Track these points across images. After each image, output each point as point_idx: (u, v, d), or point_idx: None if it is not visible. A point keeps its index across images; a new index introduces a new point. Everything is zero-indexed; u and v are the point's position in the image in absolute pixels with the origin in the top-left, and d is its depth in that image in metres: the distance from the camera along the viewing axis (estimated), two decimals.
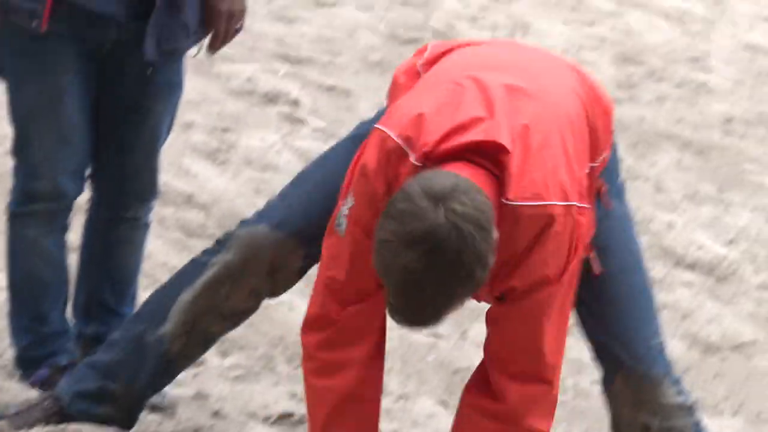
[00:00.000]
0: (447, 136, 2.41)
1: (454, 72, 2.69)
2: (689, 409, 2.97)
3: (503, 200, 2.37)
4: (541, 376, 2.62)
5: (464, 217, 2.20)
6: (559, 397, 3.98)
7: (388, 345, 4.14)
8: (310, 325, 2.70)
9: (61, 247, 3.39)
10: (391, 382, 4.15)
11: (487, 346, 2.69)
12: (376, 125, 2.59)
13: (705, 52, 9.29)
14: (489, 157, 2.41)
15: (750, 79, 9.47)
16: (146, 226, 3.54)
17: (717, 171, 7.24)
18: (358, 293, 2.65)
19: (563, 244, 2.50)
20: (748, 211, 6.43)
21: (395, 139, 2.44)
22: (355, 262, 2.60)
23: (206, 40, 3.32)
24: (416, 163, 2.39)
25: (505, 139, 2.40)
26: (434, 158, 2.40)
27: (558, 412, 4.04)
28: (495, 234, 2.27)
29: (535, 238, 2.46)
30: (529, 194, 2.40)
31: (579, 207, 2.49)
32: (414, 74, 2.77)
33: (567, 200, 2.47)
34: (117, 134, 3.34)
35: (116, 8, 3.09)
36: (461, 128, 2.42)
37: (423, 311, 2.34)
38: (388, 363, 3.96)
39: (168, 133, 3.50)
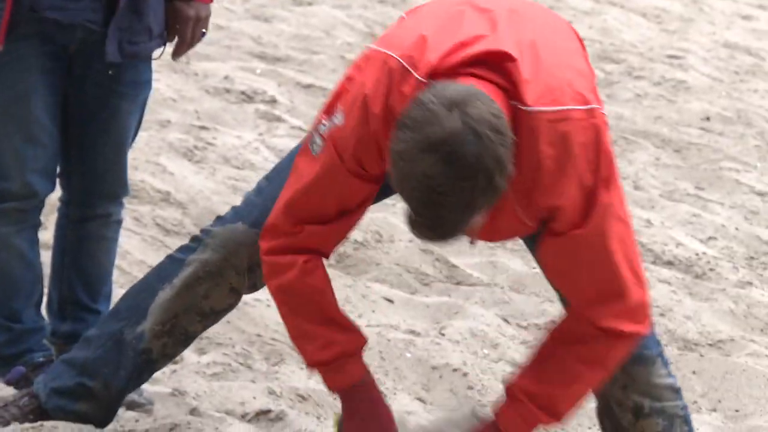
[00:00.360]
0: (451, 51, 2.40)
1: (449, 3, 2.70)
2: (678, 391, 2.98)
3: (520, 107, 2.36)
4: (628, 295, 2.57)
5: (480, 121, 2.19)
6: None
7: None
8: (265, 233, 2.73)
9: (33, 244, 3.41)
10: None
11: (562, 288, 2.72)
12: (372, 48, 2.59)
13: (683, 50, 9.35)
14: (496, 68, 2.40)
15: (728, 77, 9.52)
16: (118, 223, 3.53)
17: (695, 169, 7.31)
18: (318, 216, 2.66)
19: (592, 150, 2.47)
20: (726, 209, 6.48)
21: (397, 58, 2.43)
22: (321, 184, 2.61)
23: (171, 44, 3.35)
24: (421, 79, 2.37)
25: (511, 48, 2.40)
26: (439, 74, 2.38)
27: None
28: (511, 138, 2.26)
29: (560, 149, 2.43)
30: (547, 99, 2.40)
31: (599, 110, 2.48)
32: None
33: (587, 104, 2.46)
34: (85, 133, 3.35)
35: (92, 15, 3.13)
36: (465, 44, 2.42)
37: (444, 220, 2.31)
38: (366, 360, 4.02)
39: (137, 131, 3.52)
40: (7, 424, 2.98)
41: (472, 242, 2.59)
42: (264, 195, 2.93)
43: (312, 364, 2.77)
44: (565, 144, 2.39)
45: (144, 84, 3.38)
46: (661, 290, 5.03)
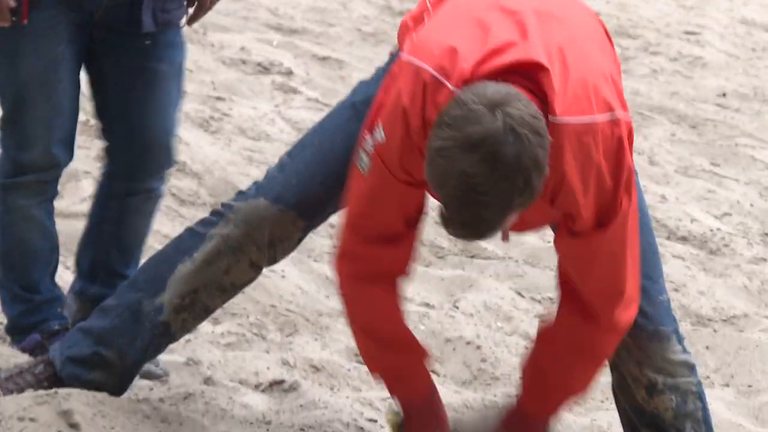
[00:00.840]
0: (483, 60, 2.40)
1: (474, 6, 2.68)
2: (692, 368, 2.98)
3: (549, 117, 2.37)
4: (625, 288, 2.68)
5: (521, 121, 2.21)
6: None
7: None
8: (340, 258, 2.75)
9: (51, 215, 3.41)
10: None
11: (571, 273, 2.73)
12: (404, 58, 2.56)
13: (700, 26, 9.30)
14: (527, 77, 2.41)
15: (745, 53, 9.49)
16: (159, 197, 3.57)
17: (710, 145, 7.28)
18: (382, 233, 2.68)
19: (613, 160, 2.51)
20: (741, 185, 6.48)
21: (429, 70, 2.43)
22: (377, 197, 2.63)
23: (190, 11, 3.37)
24: (455, 90, 2.37)
25: (542, 58, 2.41)
26: (473, 76, 2.40)
27: None
28: (549, 140, 2.28)
29: (584, 161, 2.48)
30: (574, 110, 2.41)
31: (625, 120, 2.50)
32: (423, 19, 2.77)
33: (612, 112, 2.48)
34: (129, 104, 3.36)
35: (106, 27, 3.22)
36: (496, 52, 2.42)
37: (480, 220, 2.33)
38: None
39: (179, 97, 3.53)
40: (21, 390, 2.97)
41: (504, 238, 2.60)
42: (286, 171, 2.96)
43: (379, 371, 2.88)
44: (588, 155, 2.44)
45: (179, 45, 3.39)
46: (675, 266, 5.03)
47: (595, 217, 2.52)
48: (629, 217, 2.58)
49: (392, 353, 2.86)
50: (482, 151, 2.19)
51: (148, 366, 3.26)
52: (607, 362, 2.89)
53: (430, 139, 2.29)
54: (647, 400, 2.95)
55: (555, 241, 2.71)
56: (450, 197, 2.27)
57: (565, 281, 2.75)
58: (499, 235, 2.60)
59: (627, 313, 2.69)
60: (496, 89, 2.27)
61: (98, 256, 3.49)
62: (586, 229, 2.54)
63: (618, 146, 2.45)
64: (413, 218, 2.68)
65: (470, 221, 2.30)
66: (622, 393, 3.00)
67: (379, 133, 2.52)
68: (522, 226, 2.62)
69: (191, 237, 3.09)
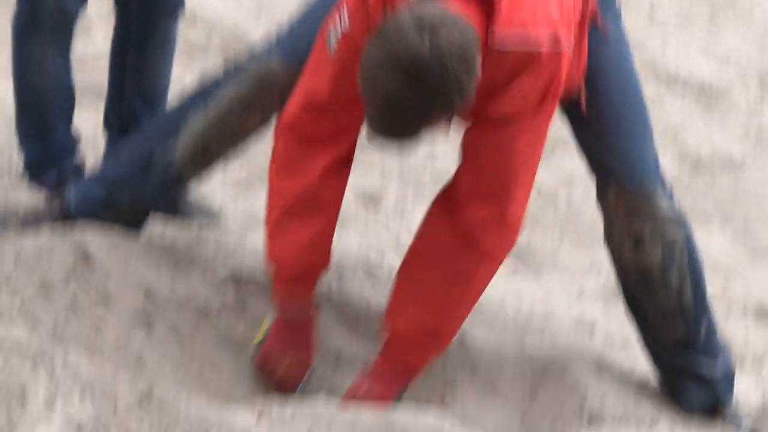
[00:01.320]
0: None
1: None
2: (680, 222, 2.97)
3: (490, 33, 2.40)
4: (503, 204, 2.66)
5: (449, 50, 2.23)
6: (551, 210, 4.25)
7: (386, 165, 4.35)
8: (283, 125, 2.76)
9: (66, 64, 3.42)
10: (390, 190, 4.29)
11: (459, 169, 2.72)
12: None
13: None
14: None
15: None
16: (174, 41, 3.58)
17: None
18: (334, 110, 2.70)
19: (541, 85, 2.53)
20: (740, 34, 6.44)
21: None
22: (338, 81, 2.63)
23: None
24: None
25: None
26: None
27: (550, 221, 4.25)
28: (478, 67, 2.29)
29: (515, 72, 2.48)
30: (518, 31, 2.42)
31: (565, 53, 2.50)
32: None
33: (556, 40, 2.47)
34: None
35: None
36: None
37: (399, 127, 2.37)
38: (387, 178, 4.25)
39: None
40: (37, 225, 3.06)
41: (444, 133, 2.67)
42: (295, 34, 2.97)
43: (273, 258, 2.84)
44: (521, 70, 2.46)
45: None
46: (674, 112, 5.06)
47: (508, 118, 2.56)
48: (538, 133, 2.63)
49: (300, 238, 2.83)
50: (406, 73, 2.24)
51: (184, 204, 3.38)
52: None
53: (363, 50, 2.35)
54: (633, 253, 2.97)
55: (465, 133, 2.70)
56: (372, 107, 2.34)
57: (447, 198, 2.75)
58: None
59: (505, 239, 2.71)
60: (432, 12, 2.30)
61: (124, 109, 3.54)
62: (496, 125, 2.60)
63: (550, 79, 2.49)
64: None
65: (389, 128, 2.36)
66: (610, 246, 3.00)
67: (346, 21, 2.58)
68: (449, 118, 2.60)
69: (202, 93, 3.11)
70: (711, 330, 3.08)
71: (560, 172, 4.47)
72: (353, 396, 2.78)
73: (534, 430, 2.95)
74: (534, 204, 4.51)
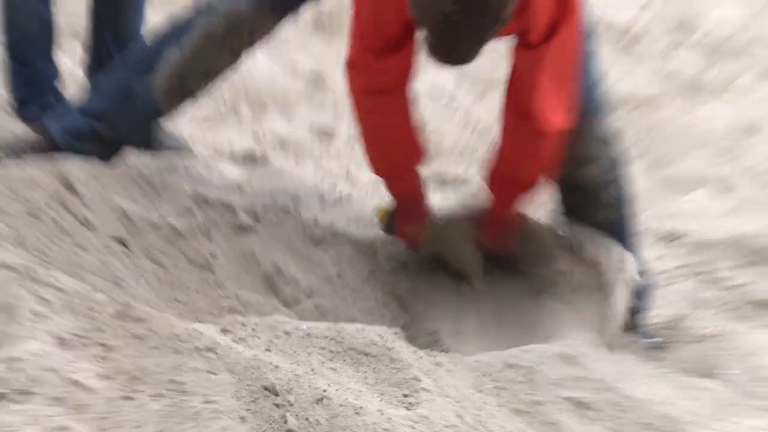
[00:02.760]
0: None
1: None
2: (618, 142, 3.13)
3: None
4: (563, 95, 2.83)
5: None
6: (486, 144, 4.02)
7: (339, 104, 4.29)
8: (352, 67, 2.85)
9: (48, 6, 3.42)
10: (342, 127, 4.22)
11: (518, 84, 2.86)
12: None
13: None
14: None
15: None
16: None
17: None
18: (386, 40, 2.77)
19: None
20: None
21: None
22: (378, 13, 2.72)
23: None
24: None
25: None
26: None
27: (484, 153, 3.93)
28: None
29: None
30: None
31: None
32: None
33: None
34: None
35: None
36: None
37: (458, 50, 2.47)
38: (339, 117, 4.23)
39: None
40: (23, 154, 3.08)
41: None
42: None
43: (381, 171, 3.02)
44: None
45: None
46: (599, 53, 5.14)
47: (545, 31, 2.64)
48: (570, 40, 2.72)
49: (395, 156, 3.01)
50: None
51: (159, 135, 3.40)
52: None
53: None
54: (577, 172, 3.05)
55: (512, 54, 2.81)
56: (431, 30, 2.39)
57: (511, 97, 2.88)
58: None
59: (565, 118, 2.82)
60: None
61: (102, 52, 3.54)
62: (538, 40, 2.68)
63: None
64: (411, 23, 2.70)
65: (450, 51, 2.44)
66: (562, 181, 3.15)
67: None
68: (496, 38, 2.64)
69: (174, 29, 3.13)
70: (637, 247, 3.22)
71: (493, 110, 4.49)
72: (493, 231, 3.13)
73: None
74: (470, 138, 4.58)
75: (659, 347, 3.21)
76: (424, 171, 3.36)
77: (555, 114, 2.85)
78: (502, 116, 2.97)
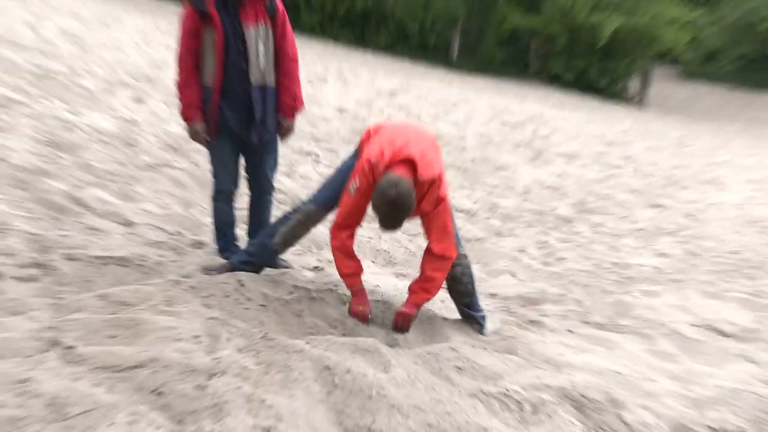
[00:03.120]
0: (393, 155, 3.49)
1: (389, 133, 3.71)
2: (467, 258, 4.06)
3: (417, 176, 3.42)
4: (447, 238, 3.70)
5: (405, 191, 3.31)
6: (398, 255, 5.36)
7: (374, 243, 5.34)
8: (337, 226, 3.71)
9: (233, 211, 4.37)
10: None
11: (426, 235, 3.69)
12: (365, 154, 3.55)
13: None
14: (409, 162, 3.48)
15: None
16: (272, 202, 4.49)
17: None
18: (352, 223, 3.69)
19: (441, 188, 3.54)
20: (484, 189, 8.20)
21: (374, 160, 3.50)
22: (356, 209, 3.63)
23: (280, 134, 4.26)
24: (382, 168, 3.46)
25: (415, 155, 3.45)
26: (389, 165, 3.45)
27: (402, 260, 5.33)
28: (414, 198, 3.32)
29: (429, 188, 3.51)
30: (426, 173, 3.48)
31: (439, 174, 3.53)
32: (368, 137, 3.81)
33: (441, 172, 3.52)
34: (253, 164, 4.34)
35: (243, 129, 4.13)
36: (398, 152, 3.51)
37: (393, 225, 3.40)
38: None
39: (276, 162, 4.40)
40: (220, 273, 4.06)
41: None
42: (321, 193, 3.95)
43: (344, 275, 3.82)
44: (431, 189, 3.56)
45: (273, 142, 4.27)
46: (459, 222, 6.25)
47: (432, 208, 3.61)
48: (444, 208, 3.65)
49: (349, 265, 3.85)
50: (390, 203, 3.33)
51: (279, 263, 4.35)
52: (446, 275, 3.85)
53: (373, 194, 3.38)
54: (452, 272, 3.99)
55: (421, 221, 3.72)
56: (379, 215, 3.39)
57: (427, 246, 3.75)
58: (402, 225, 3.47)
59: (450, 249, 3.75)
60: (394, 177, 3.36)
61: (252, 228, 4.50)
62: (429, 211, 3.62)
63: (439, 184, 3.58)
64: (365, 215, 3.68)
65: (388, 225, 3.42)
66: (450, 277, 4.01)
67: (357, 182, 3.56)
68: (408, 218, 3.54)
69: (284, 218, 4.01)
70: (476, 298, 4.18)
71: (419, 245, 5.36)
72: (402, 315, 3.82)
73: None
74: (412, 256, 5.67)
75: (485, 337, 4.07)
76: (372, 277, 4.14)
77: (444, 248, 3.73)
78: (423, 256, 3.79)
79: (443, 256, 3.69)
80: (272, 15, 3.87)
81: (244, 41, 3.81)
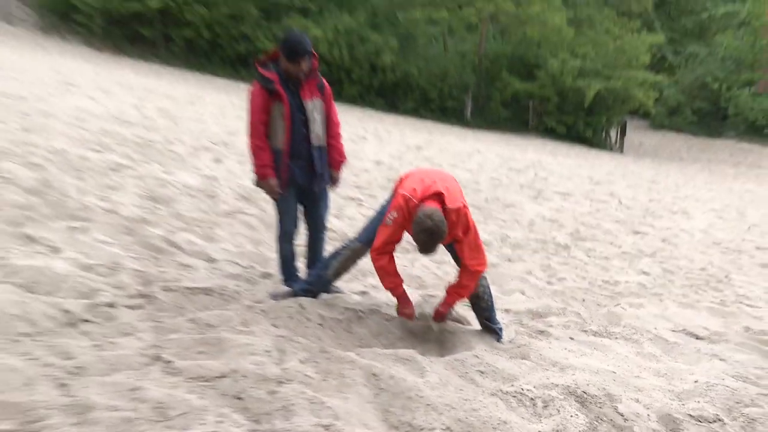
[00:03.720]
0: (424, 191, 3.53)
1: (418, 176, 3.72)
2: (486, 279, 3.99)
3: (445, 207, 3.46)
4: (480, 254, 3.71)
5: (438, 220, 3.33)
6: (430, 278, 5.36)
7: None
8: (377, 251, 3.73)
9: (294, 247, 4.37)
10: None
11: (460, 254, 3.68)
12: (400, 191, 3.62)
13: None
14: (438, 195, 3.51)
15: None
16: (325, 239, 4.49)
17: None
18: (391, 248, 3.73)
19: (468, 216, 3.58)
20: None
21: (408, 195, 3.54)
22: (393, 236, 3.66)
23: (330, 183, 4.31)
24: (416, 202, 3.50)
25: (443, 190, 3.49)
26: (421, 199, 3.49)
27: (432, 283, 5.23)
28: (446, 222, 3.35)
29: (457, 216, 3.52)
30: (452, 204, 3.49)
31: (464, 205, 3.57)
32: (401, 182, 3.82)
33: (464, 203, 3.56)
34: (310, 209, 4.36)
35: (307, 181, 4.18)
36: (428, 189, 3.54)
37: (429, 248, 3.43)
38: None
39: (327, 207, 4.42)
40: (284, 298, 4.02)
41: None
42: (364, 232, 3.97)
43: (388, 288, 3.85)
44: (459, 217, 3.55)
45: (325, 191, 4.32)
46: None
47: (463, 233, 3.61)
48: (472, 233, 3.68)
49: (391, 280, 3.85)
50: (427, 229, 3.37)
51: (332, 289, 4.28)
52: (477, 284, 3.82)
53: (413, 223, 3.42)
54: (475, 291, 3.97)
55: (454, 246, 3.72)
56: (419, 242, 3.43)
57: (462, 263, 3.74)
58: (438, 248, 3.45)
59: (482, 264, 3.76)
60: (429, 209, 3.40)
61: (310, 261, 4.49)
62: (462, 237, 3.62)
63: (465, 213, 3.60)
64: (400, 242, 3.73)
65: (426, 250, 3.46)
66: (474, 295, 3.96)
67: (394, 214, 3.60)
68: (443, 243, 3.62)
69: (336, 253, 4.03)
70: (494, 313, 4.11)
71: (451, 269, 5.49)
72: (439, 312, 3.89)
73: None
74: (440, 277, 5.57)
75: (502, 345, 4.00)
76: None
77: (477, 264, 3.74)
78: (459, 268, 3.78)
79: (477, 271, 3.73)
80: (321, 90, 3.98)
81: (304, 112, 3.91)
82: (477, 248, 3.67)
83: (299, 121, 3.91)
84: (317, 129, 3.98)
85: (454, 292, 3.79)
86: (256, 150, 3.94)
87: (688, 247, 8.76)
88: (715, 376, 3.79)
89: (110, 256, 4.25)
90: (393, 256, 3.75)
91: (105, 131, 8.75)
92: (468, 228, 3.60)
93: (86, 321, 3.28)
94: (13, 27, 21.16)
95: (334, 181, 4.24)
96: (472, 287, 3.76)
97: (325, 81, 4.05)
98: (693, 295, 6.13)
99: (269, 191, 4.02)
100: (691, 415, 3.21)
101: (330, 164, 4.13)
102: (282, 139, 3.91)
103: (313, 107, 3.95)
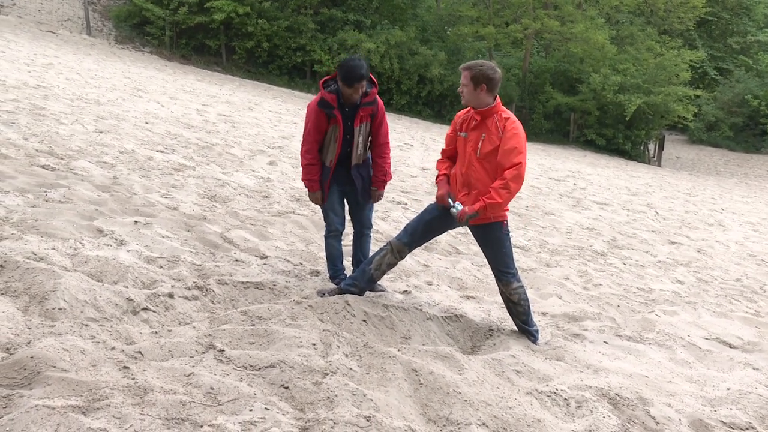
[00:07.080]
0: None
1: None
2: (522, 284, 3.98)
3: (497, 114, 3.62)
4: (518, 165, 3.61)
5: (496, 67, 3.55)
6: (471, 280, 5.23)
7: None
8: (442, 156, 3.94)
9: (340, 246, 4.35)
10: None
11: (498, 160, 3.66)
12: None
13: None
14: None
15: None
16: (370, 237, 4.46)
17: None
18: (451, 154, 3.90)
19: (512, 120, 3.62)
20: None
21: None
22: (450, 142, 3.87)
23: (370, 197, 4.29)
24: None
25: None
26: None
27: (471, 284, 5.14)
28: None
29: (503, 120, 3.62)
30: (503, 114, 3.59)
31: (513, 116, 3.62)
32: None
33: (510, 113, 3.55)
34: (355, 208, 4.36)
35: (349, 188, 4.24)
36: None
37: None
38: None
39: (372, 207, 4.39)
40: (332, 294, 4.04)
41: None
42: (406, 231, 4.00)
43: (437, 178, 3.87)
44: (507, 121, 3.63)
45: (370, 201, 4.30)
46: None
47: (498, 135, 3.62)
48: (518, 135, 3.61)
49: (439, 167, 3.98)
50: (494, 67, 3.56)
51: (376, 287, 4.26)
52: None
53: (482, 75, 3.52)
54: (510, 297, 3.96)
55: (498, 149, 3.64)
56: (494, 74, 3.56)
57: (498, 167, 3.67)
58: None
59: (518, 172, 3.59)
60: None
61: (355, 260, 4.45)
62: (498, 141, 3.61)
63: (509, 118, 3.62)
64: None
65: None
66: (503, 296, 3.96)
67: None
68: (486, 148, 3.65)
69: (379, 251, 4.06)
70: (530, 316, 4.05)
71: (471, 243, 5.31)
72: (463, 212, 3.75)
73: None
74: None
75: (538, 347, 3.97)
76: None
77: (513, 167, 3.62)
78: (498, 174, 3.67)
79: (510, 176, 3.61)
80: (373, 118, 4.04)
81: (352, 136, 3.99)
82: (512, 153, 3.60)
83: (347, 143, 3.99)
84: (359, 150, 4.05)
85: (492, 190, 3.66)
86: (307, 165, 4.03)
87: (723, 258, 8.59)
88: (748, 385, 3.71)
89: (170, 250, 4.33)
90: (449, 166, 3.93)
91: (170, 134, 9.03)
92: (510, 123, 3.66)
93: (147, 309, 3.36)
94: (92, 38, 21.91)
95: (376, 197, 4.26)
96: (511, 192, 3.62)
97: (380, 103, 4.07)
98: (727, 305, 6.00)
99: (314, 200, 4.15)
100: (723, 422, 3.14)
101: (373, 182, 4.17)
102: (332, 158, 4.00)
103: (359, 131, 4.01)
